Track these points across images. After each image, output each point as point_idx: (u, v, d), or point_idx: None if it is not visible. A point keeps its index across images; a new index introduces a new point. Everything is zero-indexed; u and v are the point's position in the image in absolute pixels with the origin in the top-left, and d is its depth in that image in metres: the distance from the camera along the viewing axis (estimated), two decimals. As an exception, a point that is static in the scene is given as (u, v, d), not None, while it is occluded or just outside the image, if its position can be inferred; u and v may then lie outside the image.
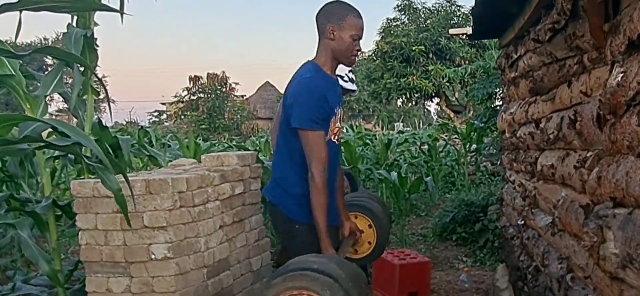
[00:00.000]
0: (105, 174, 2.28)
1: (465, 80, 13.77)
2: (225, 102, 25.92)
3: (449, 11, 17.43)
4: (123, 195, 2.32)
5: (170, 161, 3.72)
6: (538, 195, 2.64)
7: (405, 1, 17.93)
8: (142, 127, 6.62)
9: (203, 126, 24.03)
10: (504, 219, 3.98)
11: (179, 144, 6.42)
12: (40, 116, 2.62)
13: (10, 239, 3.25)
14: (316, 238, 2.30)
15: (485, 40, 9.95)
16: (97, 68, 3.08)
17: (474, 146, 9.03)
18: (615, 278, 1.45)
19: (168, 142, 6.18)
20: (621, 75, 1.44)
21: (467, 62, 15.05)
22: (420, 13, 17.87)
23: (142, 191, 2.48)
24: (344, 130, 10.45)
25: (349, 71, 3.89)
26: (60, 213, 3.11)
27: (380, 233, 2.70)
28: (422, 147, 9.89)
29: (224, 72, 26.28)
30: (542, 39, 2.39)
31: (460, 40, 15.90)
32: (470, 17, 4.62)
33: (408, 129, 20.04)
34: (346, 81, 3.84)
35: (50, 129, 2.50)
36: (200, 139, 10.34)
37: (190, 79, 26.05)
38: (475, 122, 8.68)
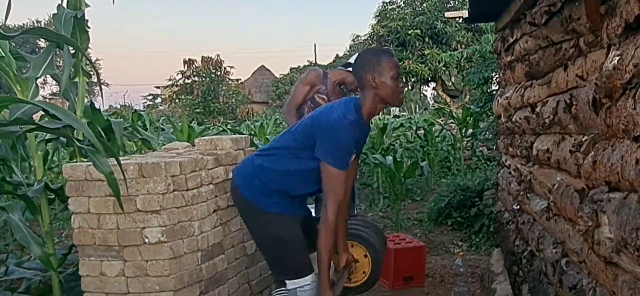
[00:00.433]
0: (97, 158, 2.26)
1: (462, 64, 13.74)
2: (220, 86, 25.79)
3: (445, -6, 17.33)
4: (115, 178, 2.30)
5: (164, 144, 3.69)
6: (533, 180, 2.63)
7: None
8: (135, 110, 6.57)
9: (198, 110, 23.94)
10: (500, 204, 3.99)
11: (172, 127, 6.39)
12: (31, 99, 2.59)
13: (3, 223, 3.23)
14: (287, 220, 2.39)
15: (482, 24, 9.90)
16: (89, 50, 3.05)
17: (470, 130, 9.03)
18: (609, 262, 1.45)
19: (162, 126, 6.14)
20: (617, 58, 1.42)
21: (463, 46, 15.00)
22: (417, -4, 17.77)
23: (135, 175, 2.46)
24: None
25: None
26: (53, 197, 3.09)
27: (375, 263, 2.75)
28: (417, 131, 9.89)
29: (218, 55, 26.15)
30: (538, 22, 2.37)
31: (457, 24, 15.83)
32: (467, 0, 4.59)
33: (404, 113, 20.03)
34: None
35: (42, 112, 2.47)
36: (194, 123, 10.29)
37: (185, 62, 25.88)
38: (471, 107, 8.66)
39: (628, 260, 1.31)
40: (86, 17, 2.86)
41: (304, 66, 29.40)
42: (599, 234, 1.50)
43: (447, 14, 12.61)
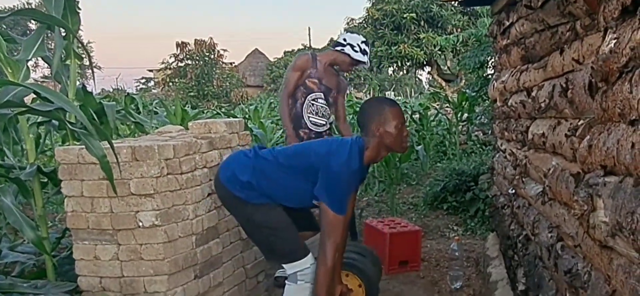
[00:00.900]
0: (90, 141, 2.23)
1: (457, 48, 13.71)
2: (214, 69, 25.64)
3: (442, -22, 17.22)
4: (108, 162, 2.28)
5: (157, 128, 3.67)
6: (529, 164, 2.63)
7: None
8: (128, 94, 6.52)
9: (191, 94, 23.83)
10: (495, 189, 4.00)
11: (166, 111, 6.35)
12: (22, 81, 2.55)
13: (-5, 206, 3.21)
14: (271, 208, 2.40)
15: (478, 7, 9.84)
16: (80, 33, 3.01)
17: (466, 115, 9.03)
18: (604, 246, 1.45)
19: (155, 109, 6.10)
20: (614, 41, 1.41)
21: (459, 30, 14.95)
22: (412, -21, 17.64)
23: (128, 158, 2.44)
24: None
25: (363, 42, 3.78)
26: (45, 180, 3.06)
27: (369, 292, 2.80)
28: (413, 116, 9.87)
29: (211, 38, 25.96)
30: (534, 5, 2.35)
31: (452, 8, 15.75)
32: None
33: (399, 98, 20.01)
34: (356, 51, 3.74)
35: (33, 95, 2.44)
36: (188, 107, 10.23)
37: (178, 45, 25.69)
38: (467, 91, 8.66)
39: (623, 244, 1.31)
40: (77, -1, 2.82)
41: (298, 50, 29.26)
42: (594, 218, 1.50)
43: (443, -3, 12.56)
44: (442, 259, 4.17)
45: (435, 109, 10.54)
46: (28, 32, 26.25)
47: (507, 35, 3.26)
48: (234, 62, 29.02)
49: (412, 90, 27.62)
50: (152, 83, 30.90)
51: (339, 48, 3.76)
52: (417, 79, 28.97)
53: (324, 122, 3.80)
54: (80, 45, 2.90)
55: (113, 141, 2.46)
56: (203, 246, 2.68)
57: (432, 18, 16.24)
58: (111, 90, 23.66)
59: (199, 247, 2.65)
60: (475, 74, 7.65)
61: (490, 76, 6.76)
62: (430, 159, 8.36)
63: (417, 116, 9.66)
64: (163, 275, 2.46)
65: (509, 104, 3.19)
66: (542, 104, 2.35)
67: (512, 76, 3.13)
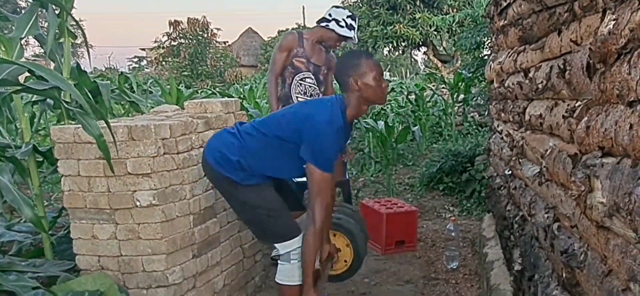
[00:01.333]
0: (86, 120, 2.22)
1: (453, 29, 13.64)
2: (207, 48, 25.41)
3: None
4: (105, 141, 2.27)
5: (153, 107, 3.64)
6: (526, 145, 2.64)
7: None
8: (122, 73, 6.46)
9: (185, 73, 23.63)
10: (491, 170, 4.01)
11: (161, 90, 6.31)
12: (16, 59, 2.52)
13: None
14: (263, 188, 2.40)
15: (475, -13, 9.79)
16: (73, 10, 2.96)
17: (462, 96, 9.03)
18: (601, 227, 1.46)
19: (149, 89, 6.05)
20: (613, 22, 1.40)
21: (455, 10, 14.85)
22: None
23: (125, 138, 2.43)
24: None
25: (348, 17, 3.69)
26: (41, 159, 3.05)
27: (357, 252, 2.77)
28: (409, 96, 9.87)
29: (204, 17, 25.66)
30: (533, -14, 2.33)
31: (449, -12, 15.64)
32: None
33: (394, 78, 19.97)
34: (342, 27, 3.65)
35: (27, 73, 2.42)
36: (182, 86, 10.16)
37: (170, 24, 25.39)
38: (463, 72, 8.64)
39: (620, 224, 1.32)
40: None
41: (293, 29, 28.99)
42: (591, 199, 1.50)
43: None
44: (438, 239, 4.21)
45: (431, 90, 10.53)
46: (18, 9, 25.89)
47: (505, 16, 3.25)
48: (227, 42, 28.78)
49: (408, 71, 27.54)
50: (144, 62, 30.60)
51: (324, 24, 3.67)
52: (412, 60, 28.89)
53: None
54: (74, 23, 2.87)
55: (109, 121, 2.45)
56: (200, 226, 2.68)
57: (429, -3, 16.13)
58: (103, 68, 23.42)
59: (197, 227, 2.66)
60: (471, 54, 7.65)
61: (486, 57, 6.74)
62: (426, 140, 8.38)
63: (413, 96, 9.65)
64: (161, 254, 2.47)
65: (506, 85, 3.19)
66: (540, 85, 2.35)
67: (509, 57, 3.12)
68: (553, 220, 2.08)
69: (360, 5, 17.09)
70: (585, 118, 1.66)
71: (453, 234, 3.71)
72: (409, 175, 6.71)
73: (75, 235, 2.57)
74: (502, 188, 3.43)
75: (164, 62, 25.49)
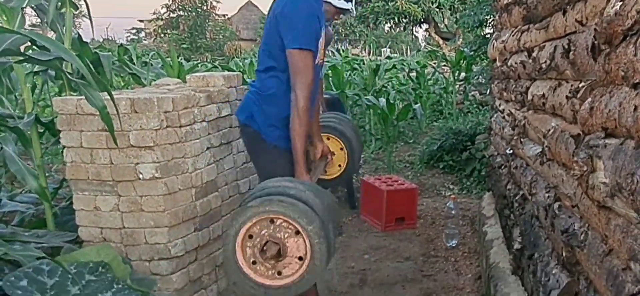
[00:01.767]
0: (90, 91, 2.21)
1: (455, 6, 13.54)
2: (207, 21, 25.19)
3: None
4: (108, 113, 2.27)
5: (154, 80, 3.63)
6: (528, 125, 2.64)
7: None
8: (121, 44, 6.41)
9: (184, 46, 23.45)
10: (492, 149, 4.02)
11: (162, 62, 6.27)
12: (17, 29, 2.50)
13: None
14: (287, 160, 2.29)
15: (479, -36, 9.67)
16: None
17: (463, 74, 8.99)
18: (603, 207, 1.47)
19: (150, 61, 6.01)
20: (619, 3, 1.40)
21: (458, -13, 14.70)
22: None
23: (127, 110, 2.43)
24: (331, 54, 10.28)
25: None
26: (42, 130, 3.05)
27: (352, 157, 2.70)
28: (410, 74, 9.82)
29: (203, -12, 25.41)
30: (539, -36, 2.31)
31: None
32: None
33: (395, 55, 19.85)
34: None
35: (28, 43, 2.40)
36: (181, 59, 10.09)
37: (169, -5, 25.16)
38: (465, 50, 8.59)
39: (622, 204, 1.33)
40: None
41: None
42: (593, 179, 1.51)
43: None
44: (438, 217, 4.24)
45: (433, 67, 10.48)
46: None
47: (510, -6, 3.22)
48: (227, 15, 28.54)
49: (409, 48, 27.35)
50: (142, 34, 30.32)
51: None
52: (413, 37, 28.67)
53: None
54: (76, -7, 2.84)
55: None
56: (202, 199, 2.70)
57: (431, -26, 15.95)
58: (101, 40, 23.21)
59: (199, 200, 2.67)
60: (473, 33, 7.60)
61: (488, 35, 6.70)
62: (427, 118, 8.38)
63: (414, 74, 9.61)
64: (163, 227, 2.49)
65: (509, 64, 3.18)
66: (543, 65, 2.34)
67: (513, 35, 3.10)
68: (554, 200, 2.09)
69: (363, -21, 16.92)
70: (589, 99, 1.66)
71: (453, 212, 3.74)
72: (409, 153, 6.73)
73: (77, 207, 2.59)
74: (502, 167, 3.45)
75: (162, 35, 25.29)
